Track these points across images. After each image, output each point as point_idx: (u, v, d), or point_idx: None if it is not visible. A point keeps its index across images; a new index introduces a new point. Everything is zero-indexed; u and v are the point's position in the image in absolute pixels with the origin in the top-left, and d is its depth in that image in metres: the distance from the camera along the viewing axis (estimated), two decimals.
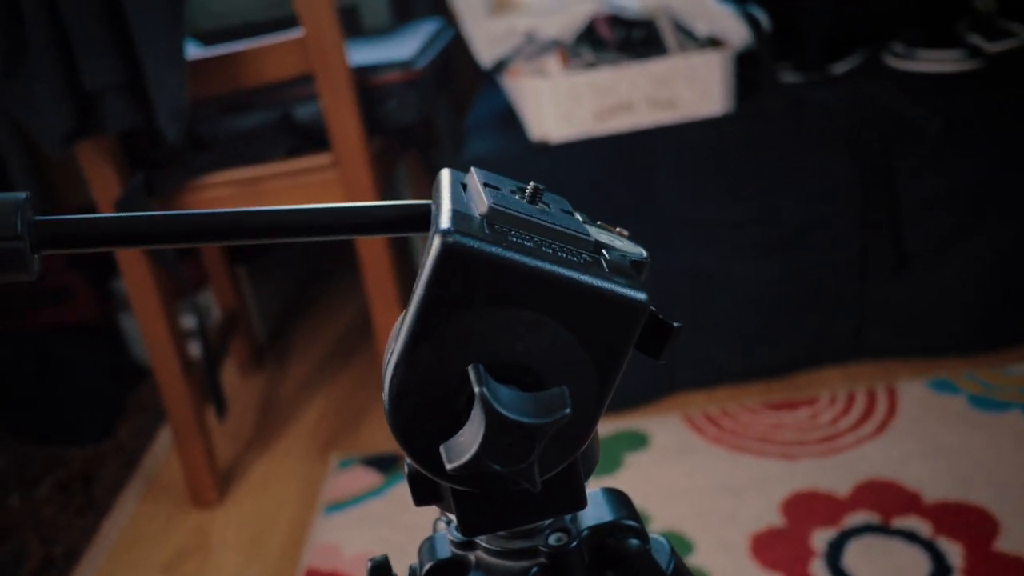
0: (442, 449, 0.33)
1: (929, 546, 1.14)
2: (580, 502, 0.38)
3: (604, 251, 0.37)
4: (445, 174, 0.41)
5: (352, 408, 1.71)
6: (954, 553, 1.12)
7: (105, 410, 1.81)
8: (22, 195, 0.38)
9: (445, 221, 0.34)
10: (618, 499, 0.45)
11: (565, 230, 0.37)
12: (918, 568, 1.11)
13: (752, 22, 1.36)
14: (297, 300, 2.20)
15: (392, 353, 0.35)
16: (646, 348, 0.36)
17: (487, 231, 0.34)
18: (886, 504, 1.22)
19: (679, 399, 1.53)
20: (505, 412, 0.31)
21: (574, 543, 0.42)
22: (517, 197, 0.39)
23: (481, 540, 0.43)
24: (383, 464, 1.52)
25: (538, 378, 0.34)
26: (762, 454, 1.36)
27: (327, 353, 1.93)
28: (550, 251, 0.35)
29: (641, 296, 0.34)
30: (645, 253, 0.40)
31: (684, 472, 1.35)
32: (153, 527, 1.48)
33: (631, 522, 0.44)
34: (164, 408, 1.47)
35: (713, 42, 1.37)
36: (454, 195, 0.38)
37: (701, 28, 1.35)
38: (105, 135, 1.25)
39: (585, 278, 0.34)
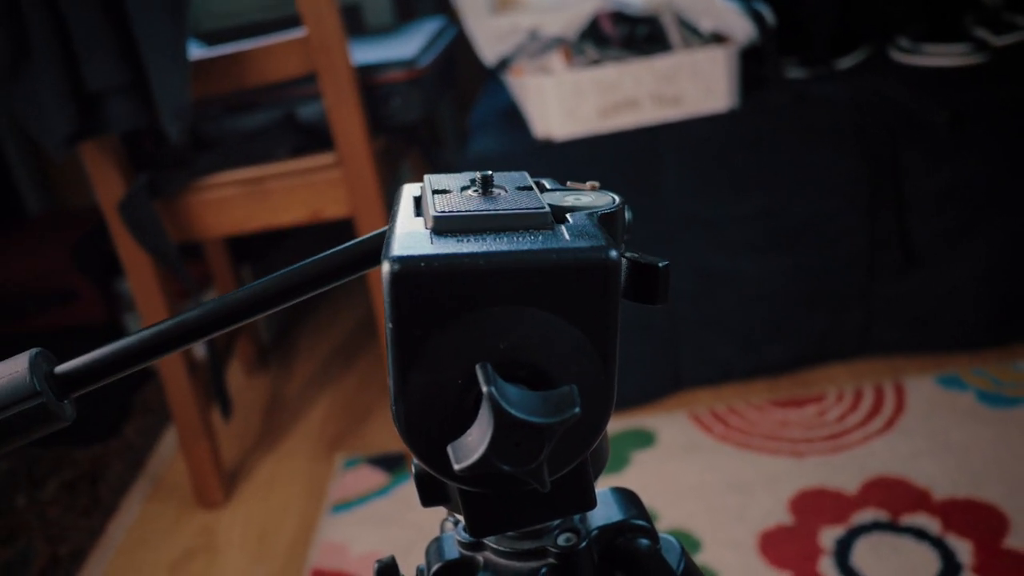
0: (449, 450, 0.32)
1: (938, 543, 1.13)
2: (590, 502, 0.38)
3: (567, 216, 0.37)
4: (404, 191, 0.41)
5: (357, 407, 1.71)
6: (964, 550, 1.11)
7: (111, 410, 1.81)
8: (34, 351, 0.39)
9: (391, 249, 0.33)
10: (627, 498, 0.45)
11: (518, 211, 0.36)
12: (927, 566, 1.10)
13: (757, 17, 1.35)
14: (301, 300, 2.19)
15: (390, 379, 0.35)
16: (638, 296, 0.36)
17: (434, 242, 0.34)
18: (895, 501, 1.21)
19: (685, 396, 1.53)
20: (513, 411, 0.30)
21: (583, 543, 0.41)
22: (470, 192, 0.38)
23: (489, 541, 0.42)
24: (389, 463, 1.51)
25: (538, 371, 0.34)
26: (769, 451, 1.35)
27: (332, 353, 1.93)
28: (503, 240, 0.34)
29: (604, 253, 0.33)
30: (617, 199, 0.39)
31: (691, 470, 1.35)
32: (159, 527, 1.48)
33: (641, 522, 0.43)
34: (169, 409, 1.47)
35: (717, 38, 1.36)
36: (403, 215, 0.38)
37: (705, 24, 1.34)
38: (108, 136, 1.25)
39: (543, 256, 0.33)
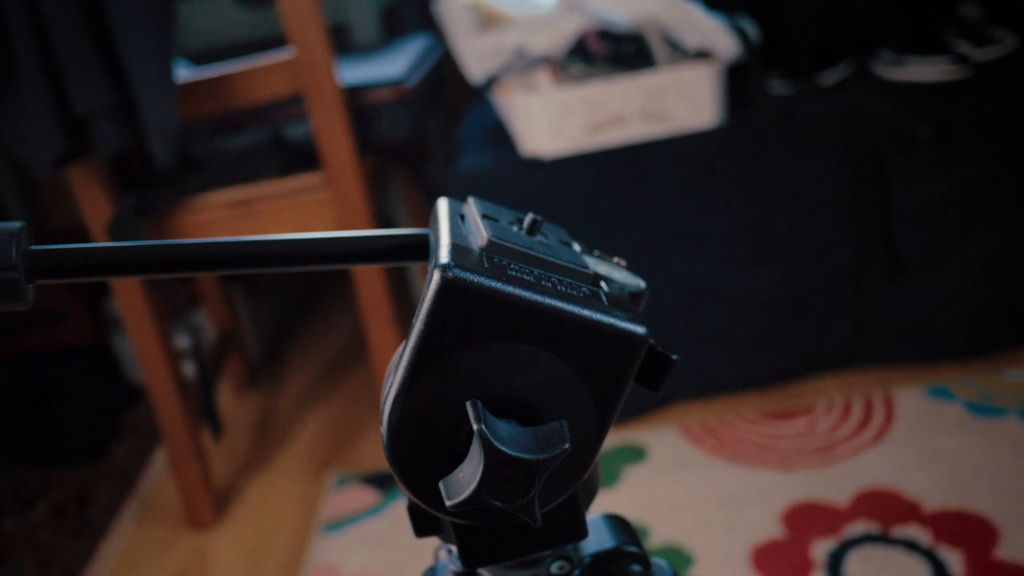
0: (441, 485, 0.33)
1: (929, 555, 1.14)
2: (581, 532, 0.38)
3: (603, 283, 0.37)
4: (443, 204, 0.41)
5: (348, 426, 1.70)
6: (954, 561, 1.12)
7: (99, 431, 1.80)
8: (16, 224, 0.38)
9: (444, 255, 0.33)
10: (619, 526, 0.45)
11: (564, 263, 0.37)
12: None
13: (741, 34, 1.37)
14: (291, 318, 2.19)
15: (391, 386, 0.35)
16: (645, 380, 0.36)
17: (486, 265, 0.34)
18: (885, 513, 1.22)
19: (676, 411, 1.53)
20: (504, 448, 0.31)
21: (577, 571, 0.42)
22: (515, 228, 0.39)
23: (484, 570, 0.43)
24: (381, 482, 1.51)
25: (537, 412, 0.34)
26: (760, 465, 1.36)
27: (322, 371, 1.92)
28: (549, 285, 0.35)
29: (640, 330, 0.34)
30: (643, 284, 0.40)
31: (683, 484, 1.35)
32: (150, 550, 1.47)
33: (633, 548, 0.44)
34: (159, 429, 1.47)
35: (702, 55, 1.38)
36: (452, 227, 0.38)
37: (690, 41, 1.35)
38: (96, 158, 1.25)
39: (585, 312, 0.34)
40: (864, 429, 1.39)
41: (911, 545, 1.16)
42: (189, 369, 1.68)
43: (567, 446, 0.32)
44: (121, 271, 0.40)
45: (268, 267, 0.41)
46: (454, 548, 0.44)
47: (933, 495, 1.23)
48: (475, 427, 0.31)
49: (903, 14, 1.49)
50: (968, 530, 1.16)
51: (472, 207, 0.40)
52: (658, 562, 0.45)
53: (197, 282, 1.81)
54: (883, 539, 1.18)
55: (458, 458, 0.33)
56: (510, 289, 0.33)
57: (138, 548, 1.48)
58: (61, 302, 1.89)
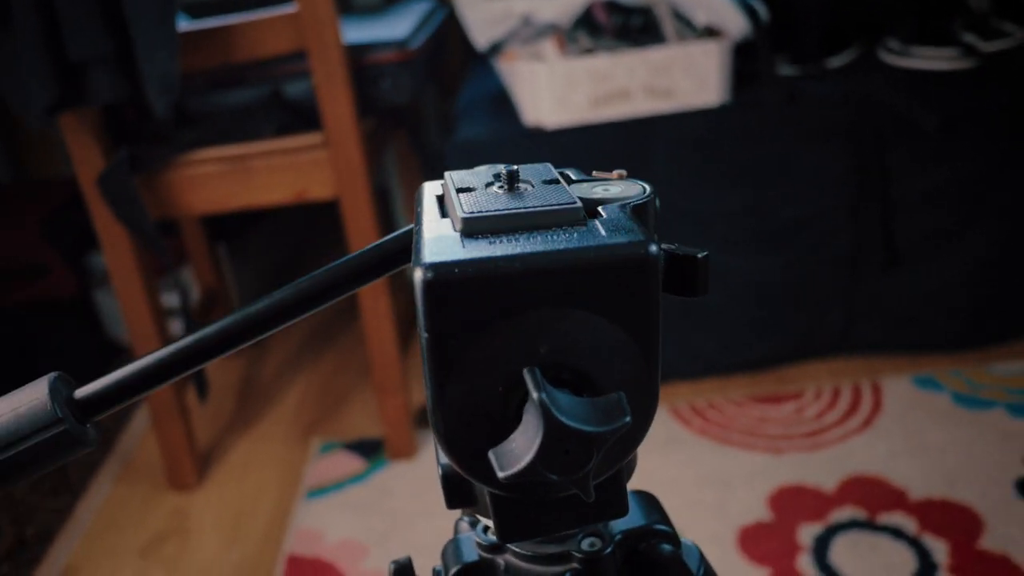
0: (491, 456, 0.31)
1: (915, 543, 1.14)
2: (622, 509, 0.37)
3: (599, 209, 0.36)
4: (425, 190, 0.40)
5: (334, 392, 1.69)
6: (939, 550, 1.13)
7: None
8: (53, 376, 0.39)
9: (421, 255, 0.32)
10: (650, 503, 0.44)
11: (549, 208, 0.35)
12: (904, 565, 1.11)
13: (751, 13, 1.35)
14: (278, 279, 2.16)
15: (427, 396, 0.34)
16: (677, 289, 0.35)
17: (465, 246, 0.32)
18: (872, 500, 1.22)
19: (665, 390, 1.53)
20: (565, 420, 0.29)
21: (608, 548, 0.41)
22: (494, 188, 0.37)
23: (511, 544, 0.42)
24: (366, 449, 1.50)
25: (581, 373, 0.33)
26: (748, 447, 1.36)
27: (308, 335, 1.90)
28: (538, 239, 0.33)
29: (644, 248, 0.32)
30: (647, 188, 0.38)
31: (670, 463, 1.35)
32: (129, 509, 1.45)
33: (663, 527, 0.43)
34: None
35: (711, 32, 1.36)
36: (429, 217, 0.36)
37: (700, 17, 1.34)
38: (90, 108, 1.22)
39: (580, 254, 0.32)
40: (852, 416, 1.40)
41: (897, 532, 1.16)
42: (174, 327, 1.65)
43: (628, 419, 0.30)
44: (158, 381, 0.41)
45: (279, 326, 0.42)
46: (481, 520, 0.43)
47: (919, 484, 1.24)
48: (535, 396, 0.30)
49: (912, 3, 1.48)
50: (953, 520, 1.17)
51: (448, 184, 0.38)
52: (686, 542, 0.44)
53: (183, 240, 1.78)
54: (869, 525, 1.18)
55: (509, 428, 0.32)
56: (495, 264, 0.31)
57: (117, 507, 1.46)
58: (43, 256, 1.86)
